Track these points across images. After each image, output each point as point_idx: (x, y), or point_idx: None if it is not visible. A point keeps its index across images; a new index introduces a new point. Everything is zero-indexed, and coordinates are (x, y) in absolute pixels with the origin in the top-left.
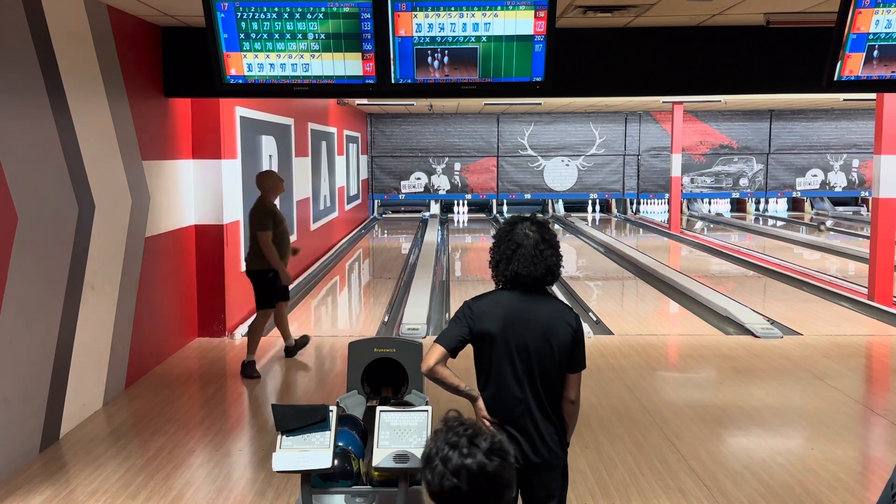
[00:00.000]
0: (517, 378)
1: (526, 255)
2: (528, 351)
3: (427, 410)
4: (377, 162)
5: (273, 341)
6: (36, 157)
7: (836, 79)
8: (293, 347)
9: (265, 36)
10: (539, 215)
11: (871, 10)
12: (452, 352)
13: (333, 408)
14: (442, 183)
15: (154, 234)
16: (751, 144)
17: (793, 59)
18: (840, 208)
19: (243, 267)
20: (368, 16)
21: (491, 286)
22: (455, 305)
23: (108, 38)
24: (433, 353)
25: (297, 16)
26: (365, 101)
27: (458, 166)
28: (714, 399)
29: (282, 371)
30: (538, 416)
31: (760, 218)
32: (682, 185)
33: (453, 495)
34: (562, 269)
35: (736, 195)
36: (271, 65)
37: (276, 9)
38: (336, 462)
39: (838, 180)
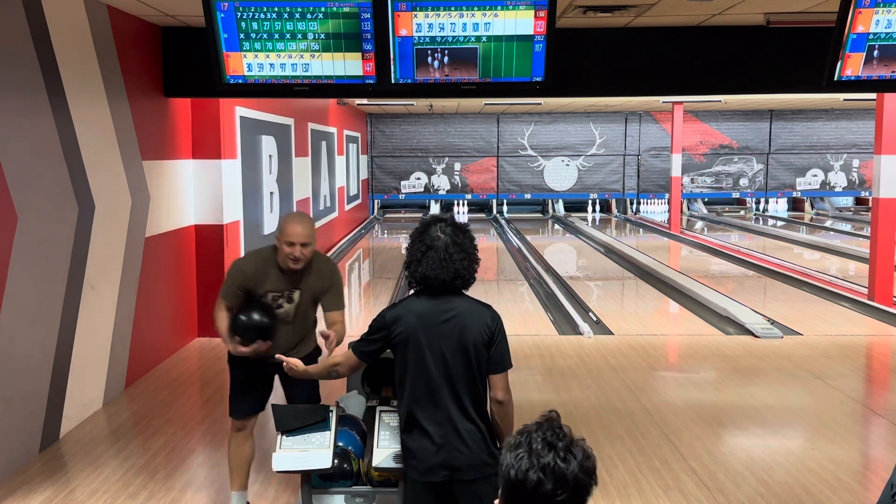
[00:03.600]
0: (435, 383)
1: (435, 258)
2: (443, 355)
3: None
4: (377, 162)
5: None
6: (36, 157)
7: (836, 79)
8: None
9: (265, 36)
10: (456, 217)
11: (871, 10)
12: (363, 356)
13: (333, 408)
14: (442, 183)
15: (154, 234)
16: (751, 144)
17: (793, 59)
18: (842, 200)
19: None
20: (368, 16)
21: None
22: None
23: (108, 38)
24: (349, 359)
25: (297, 16)
26: (365, 101)
27: (458, 166)
28: (714, 399)
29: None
30: (458, 420)
31: (760, 218)
32: (682, 185)
33: (532, 490)
34: (475, 275)
35: (736, 195)
36: (271, 65)
37: (276, 9)
38: (336, 462)
39: (838, 180)
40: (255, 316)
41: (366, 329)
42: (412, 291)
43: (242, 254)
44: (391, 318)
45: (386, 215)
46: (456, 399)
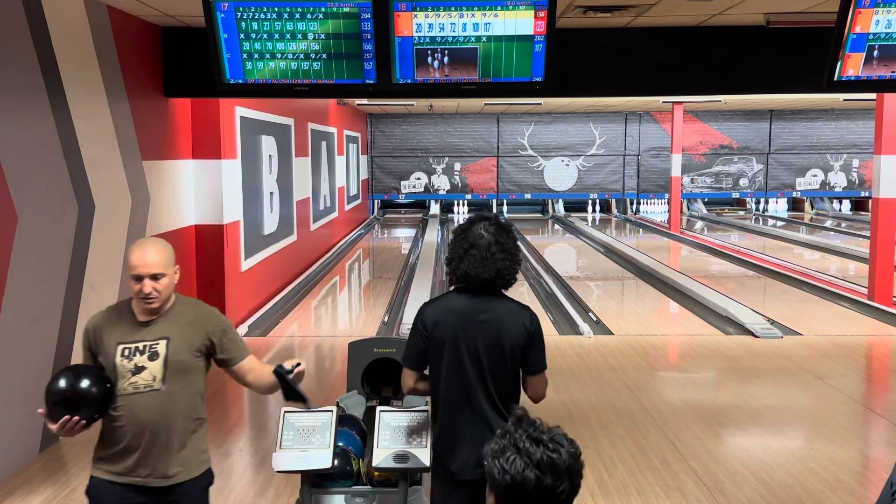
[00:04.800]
0: (471, 382)
1: (477, 256)
2: (479, 354)
3: (427, 410)
4: (377, 162)
5: (272, 341)
6: (36, 157)
7: (836, 79)
8: None
9: (265, 36)
10: (503, 217)
11: (871, 10)
12: (423, 369)
13: (333, 408)
14: (442, 183)
15: (154, 234)
16: (751, 144)
17: (793, 59)
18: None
19: (243, 268)
20: (368, 16)
21: None
22: None
23: (108, 38)
24: (409, 377)
25: (297, 16)
26: (365, 101)
27: (458, 166)
28: (714, 399)
29: None
30: (491, 418)
31: (760, 218)
32: (682, 185)
33: (534, 490)
34: (516, 276)
35: (736, 195)
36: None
37: (276, 9)
38: (336, 462)
39: (838, 180)
40: (65, 380)
41: (365, 329)
42: (452, 288)
43: (243, 254)
44: (430, 317)
45: (386, 215)
46: (489, 398)
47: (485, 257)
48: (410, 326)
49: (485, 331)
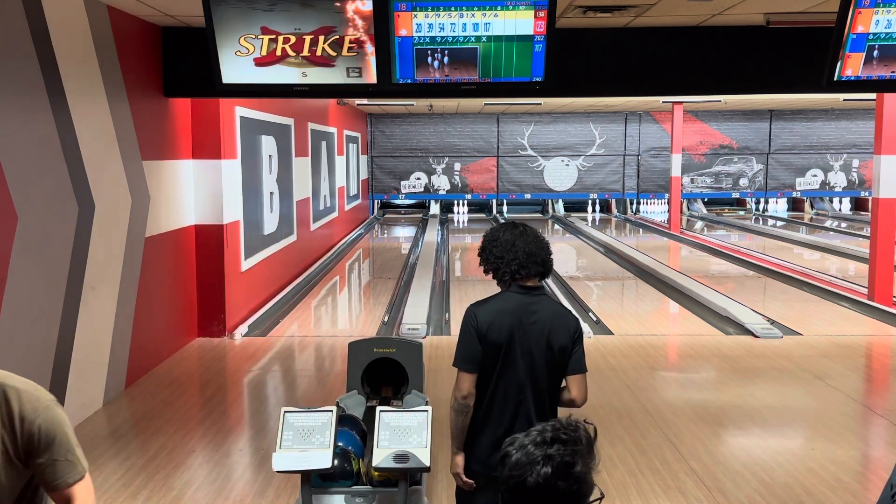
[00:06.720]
0: (521, 383)
1: (530, 238)
2: (531, 356)
3: (427, 410)
4: (377, 162)
5: (272, 342)
6: (36, 157)
7: (836, 79)
8: None
9: None
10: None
11: (871, 10)
12: (474, 367)
13: (333, 408)
14: (442, 183)
15: (154, 234)
16: (751, 144)
17: (793, 59)
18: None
19: (243, 268)
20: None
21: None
22: (455, 305)
23: (108, 38)
24: (467, 381)
25: None
26: (365, 101)
27: (458, 166)
28: (714, 399)
29: (281, 371)
30: (535, 421)
31: (760, 218)
32: (682, 185)
33: (532, 486)
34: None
35: (736, 195)
36: None
37: None
38: (336, 462)
39: (838, 180)
40: None
41: (365, 329)
42: (507, 288)
43: (242, 253)
44: (483, 319)
45: (386, 215)
46: (537, 399)
47: (536, 237)
48: (461, 327)
49: (535, 332)
